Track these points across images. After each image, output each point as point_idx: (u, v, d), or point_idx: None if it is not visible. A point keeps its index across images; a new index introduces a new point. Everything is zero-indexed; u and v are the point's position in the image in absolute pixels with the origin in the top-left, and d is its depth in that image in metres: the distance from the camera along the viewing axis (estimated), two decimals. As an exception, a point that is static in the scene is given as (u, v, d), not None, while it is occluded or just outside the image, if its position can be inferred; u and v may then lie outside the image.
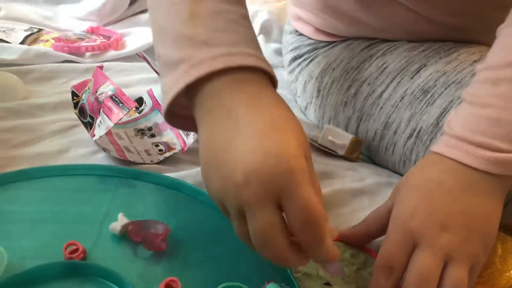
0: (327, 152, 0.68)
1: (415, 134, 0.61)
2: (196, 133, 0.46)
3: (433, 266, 0.41)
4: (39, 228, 0.48)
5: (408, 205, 0.44)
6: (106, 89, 0.60)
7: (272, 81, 0.44)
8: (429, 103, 0.60)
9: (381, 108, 0.65)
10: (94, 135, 0.59)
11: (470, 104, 0.46)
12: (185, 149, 0.63)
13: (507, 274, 0.47)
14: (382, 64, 0.67)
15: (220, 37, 0.43)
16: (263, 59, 0.44)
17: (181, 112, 0.46)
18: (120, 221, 0.49)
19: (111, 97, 0.59)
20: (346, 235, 0.50)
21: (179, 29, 0.44)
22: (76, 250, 0.46)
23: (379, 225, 0.47)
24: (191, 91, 0.42)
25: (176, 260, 0.48)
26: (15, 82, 0.73)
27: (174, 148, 0.64)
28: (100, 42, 0.90)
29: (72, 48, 0.86)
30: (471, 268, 0.42)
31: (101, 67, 0.63)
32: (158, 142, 0.66)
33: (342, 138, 0.67)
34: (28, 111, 0.69)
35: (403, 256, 0.42)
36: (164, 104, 0.44)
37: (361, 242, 0.50)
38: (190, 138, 0.64)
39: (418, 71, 0.63)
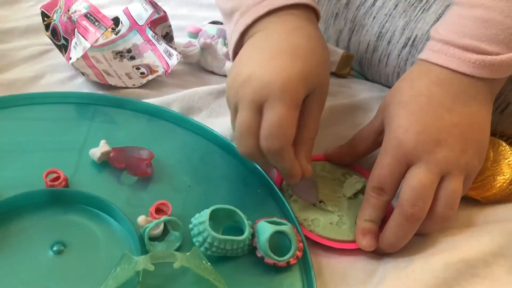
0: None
1: (409, 43, 0.57)
2: None
3: (428, 182, 0.40)
4: (16, 158, 0.46)
5: (399, 124, 0.42)
6: (79, 7, 0.55)
7: (316, 13, 0.47)
8: (424, 9, 0.56)
9: (374, 17, 0.61)
10: (70, 58, 0.55)
11: (458, 5, 0.44)
12: (169, 71, 0.60)
13: (501, 177, 0.47)
14: (374, -29, 0.62)
15: None
16: None
17: None
18: (101, 148, 0.47)
19: (85, 15, 0.54)
20: (332, 155, 0.50)
21: None
22: (57, 178, 0.44)
23: (366, 144, 0.47)
24: (246, 32, 0.47)
25: (163, 185, 0.46)
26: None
27: (157, 71, 0.61)
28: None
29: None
30: (466, 177, 0.42)
31: (71, -17, 0.57)
32: (139, 65, 0.62)
33: (332, 54, 0.64)
34: (-6, 37, 0.64)
35: (395, 178, 0.42)
36: (229, 51, 0.50)
37: (347, 162, 0.50)
38: (173, 59, 0.60)
39: (413, -24, 0.59)
